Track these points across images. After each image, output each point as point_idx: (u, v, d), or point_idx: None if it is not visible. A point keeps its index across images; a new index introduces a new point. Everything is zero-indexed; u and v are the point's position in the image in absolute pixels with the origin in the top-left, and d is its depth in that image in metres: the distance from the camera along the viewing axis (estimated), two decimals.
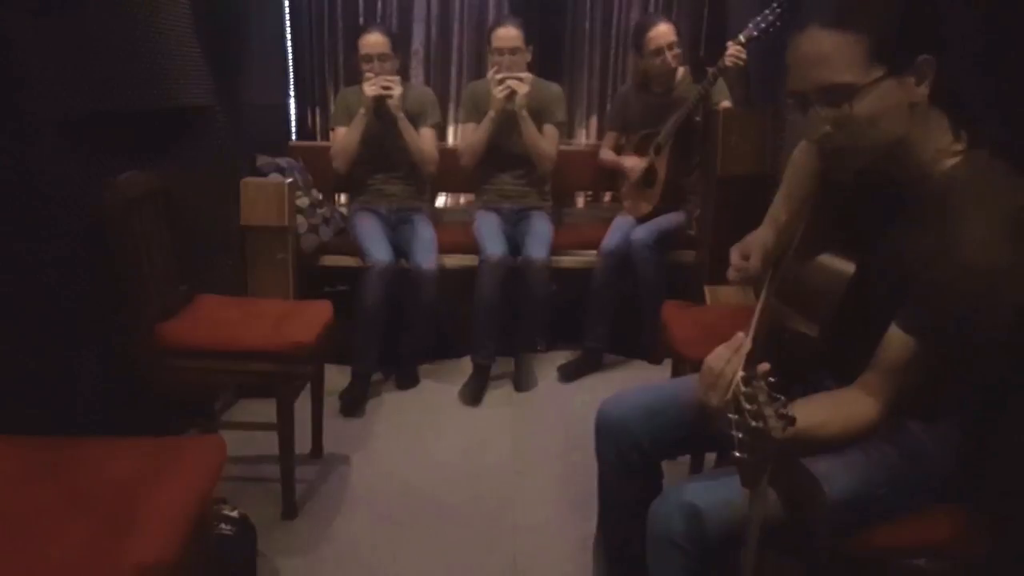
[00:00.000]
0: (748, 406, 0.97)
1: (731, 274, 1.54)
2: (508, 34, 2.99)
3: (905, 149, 1.15)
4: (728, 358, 1.13)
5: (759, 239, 1.51)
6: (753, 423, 0.94)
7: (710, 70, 2.78)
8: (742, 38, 2.66)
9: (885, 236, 1.19)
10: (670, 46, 2.98)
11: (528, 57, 3.02)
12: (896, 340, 1.13)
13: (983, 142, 1.15)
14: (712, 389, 1.13)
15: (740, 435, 0.95)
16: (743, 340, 1.15)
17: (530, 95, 2.98)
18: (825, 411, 1.16)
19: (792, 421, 0.95)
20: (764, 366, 1.05)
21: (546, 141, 3.09)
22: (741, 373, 1.04)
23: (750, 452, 0.94)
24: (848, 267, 1.21)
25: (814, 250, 1.26)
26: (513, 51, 2.97)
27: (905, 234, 1.15)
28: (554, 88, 3.17)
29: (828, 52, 1.09)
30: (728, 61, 2.70)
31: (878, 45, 1.07)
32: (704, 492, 1.22)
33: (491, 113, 3.02)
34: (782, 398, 0.97)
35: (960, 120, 1.16)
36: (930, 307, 1.10)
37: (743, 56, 2.68)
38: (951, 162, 1.14)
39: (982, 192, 1.09)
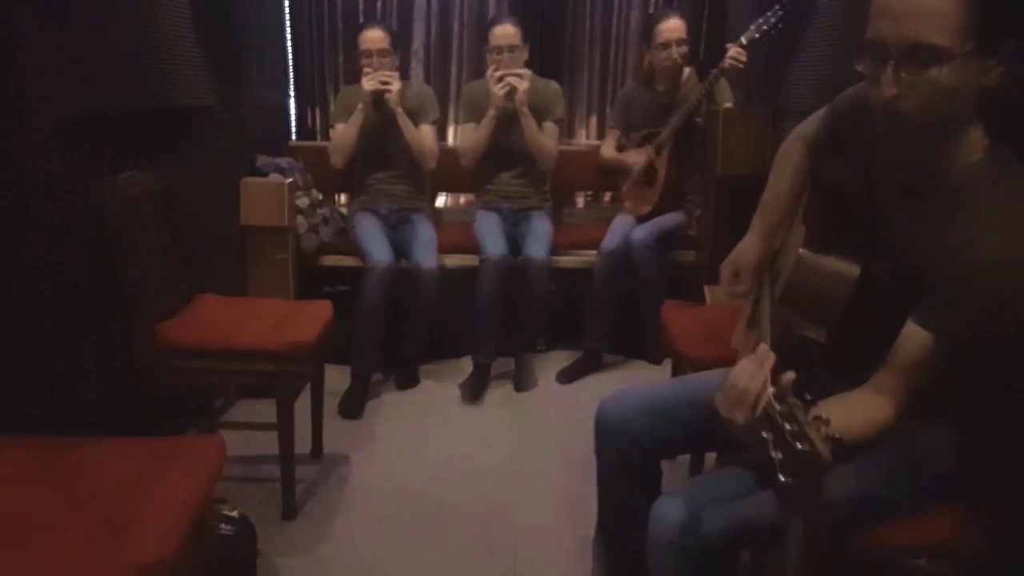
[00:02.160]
0: (788, 426, 0.89)
1: (726, 293, 1.54)
2: (505, 32, 2.99)
3: (950, 135, 1.10)
4: (752, 373, 1.03)
5: (748, 255, 1.51)
6: (799, 445, 0.87)
7: (712, 71, 2.78)
8: (744, 40, 2.66)
9: (896, 232, 1.18)
10: (678, 42, 2.98)
11: (525, 55, 3.03)
12: (914, 336, 1.10)
13: (1006, 143, 1.12)
14: (738, 406, 1.03)
15: (781, 457, 0.88)
16: (767, 352, 1.06)
17: (530, 93, 2.98)
18: (844, 416, 1.08)
19: (839, 442, 0.88)
20: (789, 375, 0.99)
21: (547, 137, 3.10)
22: (771, 389, 0.97)
23: (798, 476, 0.87)
24: (853, 269, 1.19)
25: (817, 253, 1.26)
26: (511, 49, 2.98)
27: (920, 229, 1.13)
28: (553, 85, 3.18)
29: (935, 8, 1.00)
30: (727, 63, 2.70)
31: (981, 17, 1.01)
32: (704, 494, 1.22)
33: (491, 111, 3.02)
34: (824, 416, 0.91)
35: (990, 119, 1.12)
36: (951, 301, 1.08)
37: (743, 58, 2.68)
38: (975, 157, 1.11)
39: (1007, 187, 1.07)
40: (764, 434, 0.91)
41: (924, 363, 1.10)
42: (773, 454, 0.88)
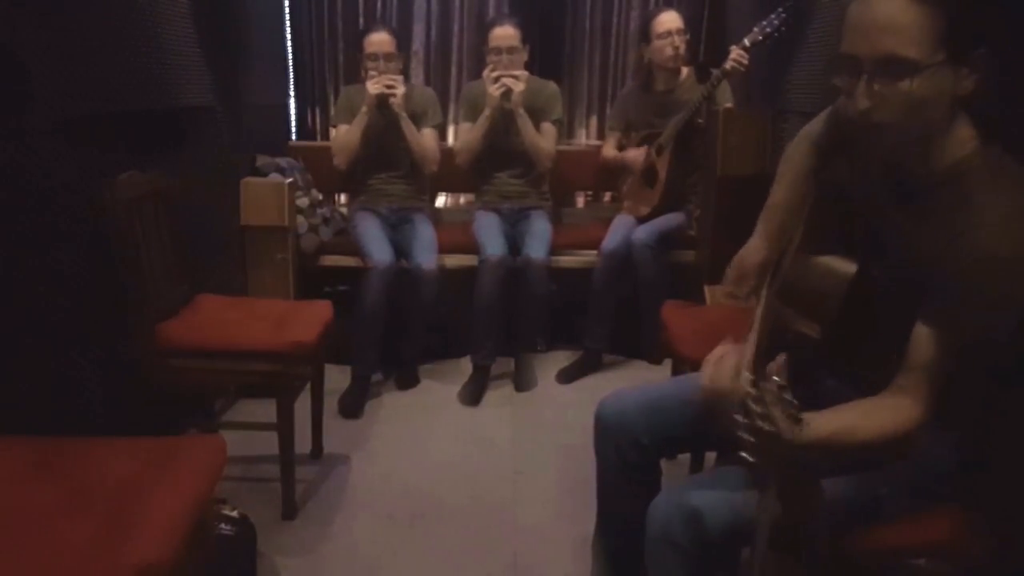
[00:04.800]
0: (756, 408, 0.95)
1: (729, 297, 1.54)
2: (505, 33, 2.99)
3: (932, 140, 1.12)
4: (727, 350, 1.13)
5: (751, 259, 1.52)
6: (763, 426, 0.93)
7: (714, 71, 2.78)
8: (747, 42, 2.65)
9: (893, 232, 1.18)
10: (678, 31, 3.00)
11: (525, 56, 3.03)
12: (924, 336, 1.11)
13: (996, 139, 1.13)
14: (715, 376, 1.13)
15: (749, 437, 0.94)
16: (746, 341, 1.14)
17: (527, 94, 2.98)
18: (855, 415, 1.13)
19: (800, 421, 0.93)
20: (779, 360, 1.05)
21: (545, 139, 3.10)
22: (748, 376, 1.03)
23: (760, 455, 0.93)
24: (849, 267, 1.20)
25: (813, 250, 1.26)
26: (510, 50, 2.98)
27: (917, 228, 1.14)
28: (551, 86, 3.18)
29: (904, 21, 1.03)
30: (729, 65, 2.70)
31: (949, 27, 1.03)
32: (704, 493, 1.22)
33: (486, 111, 3.02)
34: (791, 399, 0.96)
35: (978, 116, 1.14)
36: (952, 298, 1.08)
37: (745, 61, 2.68)
38: (963, 154, 1.12)
39: (998, 182, 1.08)
40: (738, 418, 0.97)
41: (937, 360, 1.10)
42: (743, 435, 0.94)
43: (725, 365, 1.13)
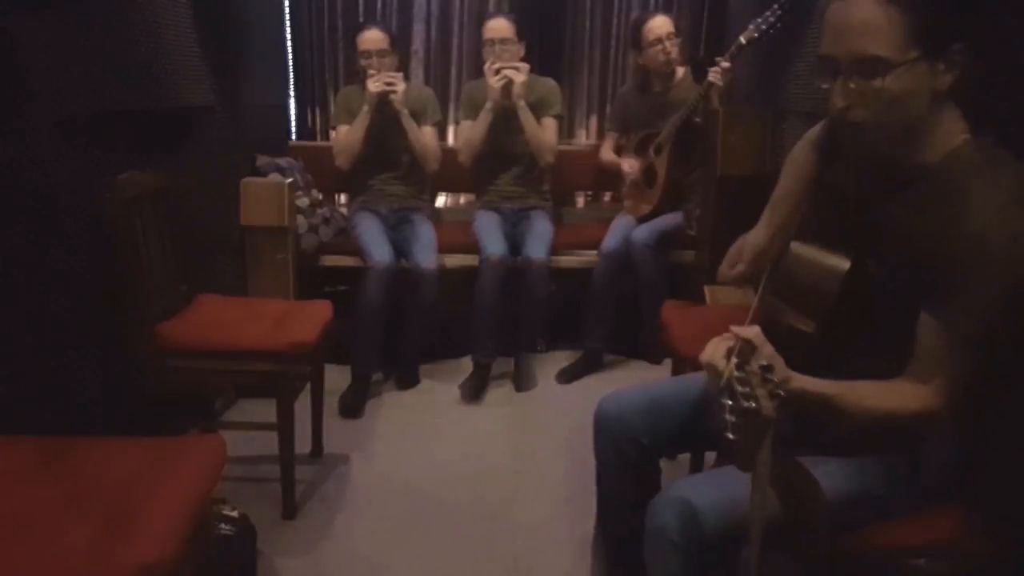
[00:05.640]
0: (741, 389, 0.97)
1: (720, 275, 1.55)
2: (498, 25, 3.01)
3: (916, 134, 1.13)
4: (715, 345, 1.14)
5: (752, 240, 1.51)
6: (745, 404, 0.94)
7: (710, 71, 2.79)
8: (743, 39, 2.66)
9: (889, 226, 1.18)
10: (668, 36, 3.00)
11: (521, 51, 3.03)
12: (928, 326, 1.12)
13: (988, 132, 1.14)
14: (709, 377, 1.13)
15: (733, 419, 0.95)
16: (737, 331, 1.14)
17: (526, 90, 2.98)
18: (858, 385, 1.13)
19: (781, 399, 0.95)
20: (769, 349, 1.06)
21: (546, 132, 3.10)
22: (735, 360, 1.04)
23: (743, 434, 0.94)
24: (843, 263, 1.21)
25: (808, 246, 1.27)
26: (504, 41, 2.98)
27: (913, 220, 1.14)
28: (549, 82, 3.19)
29: (873, 22, 1.06)
30: (712, 78, 2.71)
31: (921, 25, 1.05)
32: (700, 490, 1.22)
33: (488, 105, 3.02)
34: (775, 379, 0.98)
35: (969, 110, 1.14)
36: (953, 288, 1.08)
37: (722, 80, 2.68)
38: (954, 144, 1.13)
39: (992, 171, 1.08)
40: (725, 400, 0.98)
41: (942, 350, 1.11)
42: (728, 417, 0.95)
43: (721, 346, 1.13)
